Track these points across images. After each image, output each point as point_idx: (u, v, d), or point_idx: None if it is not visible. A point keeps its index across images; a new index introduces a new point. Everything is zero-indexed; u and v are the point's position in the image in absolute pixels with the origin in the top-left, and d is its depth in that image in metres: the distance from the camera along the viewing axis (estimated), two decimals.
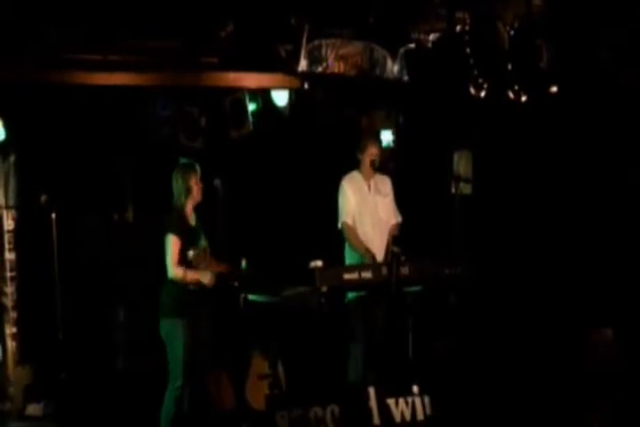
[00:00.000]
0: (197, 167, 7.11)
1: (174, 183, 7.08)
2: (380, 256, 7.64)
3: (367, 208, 7.78)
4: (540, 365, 7.67)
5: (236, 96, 8.57)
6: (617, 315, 7.41)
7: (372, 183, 7.85)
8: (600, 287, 8.14)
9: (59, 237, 7.37)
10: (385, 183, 7.92)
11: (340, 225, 7.75)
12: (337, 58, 8.00)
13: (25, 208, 8.04)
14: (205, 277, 6.89)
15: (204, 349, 7.09)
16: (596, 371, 5.62)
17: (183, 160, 7.18)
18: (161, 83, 7.75)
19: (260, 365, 7.67)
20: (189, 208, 7.11)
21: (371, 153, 7.76)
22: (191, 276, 6.89)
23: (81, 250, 8.17)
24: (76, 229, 8.06)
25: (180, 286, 6.94)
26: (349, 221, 7.73)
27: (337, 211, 7.78)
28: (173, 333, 6.87)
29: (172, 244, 6.99)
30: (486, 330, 8.26)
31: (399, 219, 7.91)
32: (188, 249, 6.97)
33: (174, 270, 6.90)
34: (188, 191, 7.06)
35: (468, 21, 8.06)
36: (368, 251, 7.59)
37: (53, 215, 7.30)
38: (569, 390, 6.25)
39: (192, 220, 7.08)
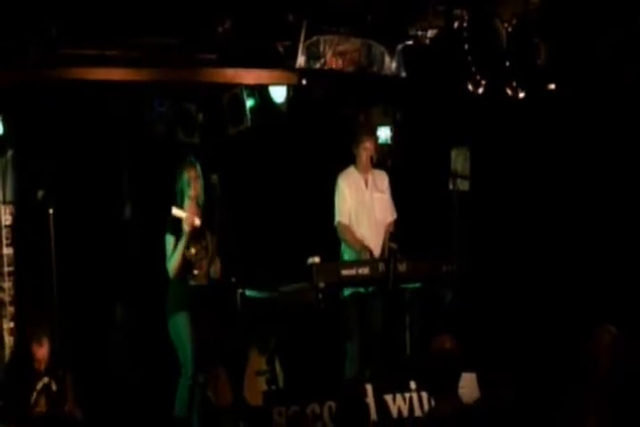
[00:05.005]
0: (197, 164, 7.13)
1: (177, 180, 7.13)
2: (376, 254, 7.62)
3: (364, 207, 7.74)
4: (539, 362, 7.67)
5: (234, 92, 8.55)
6: (615, 312, 7.40)
7: (369, 178, 7.82)
8: (599, 284, 8.15)
9: (56, 232, 7.38)
10: (382, 178, 7.89)
11: (335, 224, 7.73)
12: (335, 54, 7.99)
13: (22, 203, 8.04)
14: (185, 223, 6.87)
15: (210, 343, 7.12)
16: (594, 370, 5.62)
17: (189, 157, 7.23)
18: (158, 79, 7.73)
19: (257, 361, 7.67)
20: (190, 205, 7.11)
21: (366, 147, 7.72)
22: (178, 254, 6.91)
23: (78, 245, 8.16)
24: (73, 225, 8.05)
25: (181, 284, 6.97)
26: (345, 221, 7.69)
27: (335, 207, 7.77)
28: (179, 328, 6.93)
29: (169, 244, 7.01)
30: (483, 327, 8.25)
31: (394, 216, 7.89)
32: (189, 249, 6.98)
33: (171, 270, 6.95)
34: (187, 188, 7.07)
35: (466, 18, 8.04)
36: (365, 247, 7.58)
37: (51, 211, 7.30)
38: (568, 389, 6.23)
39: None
